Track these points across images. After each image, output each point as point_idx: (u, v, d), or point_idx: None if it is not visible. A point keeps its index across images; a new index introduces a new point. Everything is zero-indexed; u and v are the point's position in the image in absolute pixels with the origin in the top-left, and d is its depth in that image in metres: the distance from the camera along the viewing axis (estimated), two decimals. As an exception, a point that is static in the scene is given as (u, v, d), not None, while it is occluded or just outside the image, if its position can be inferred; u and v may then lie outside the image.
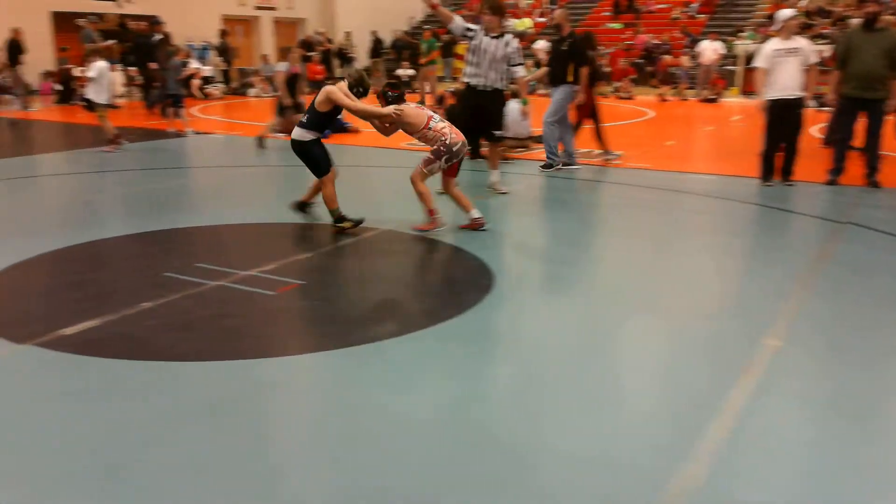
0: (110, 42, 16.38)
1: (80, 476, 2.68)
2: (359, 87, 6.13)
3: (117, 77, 16.37)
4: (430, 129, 6.04)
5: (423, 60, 18.64)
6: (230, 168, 9.83)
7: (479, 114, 7.48)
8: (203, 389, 3.39)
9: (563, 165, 9.14)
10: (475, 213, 6.19)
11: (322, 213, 6.39)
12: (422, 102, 17.27)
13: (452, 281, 5.22)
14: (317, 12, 28.37)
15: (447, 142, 6.03)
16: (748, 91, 19.12)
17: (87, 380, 3.46)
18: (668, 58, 21.58)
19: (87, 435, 2.96)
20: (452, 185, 6.29)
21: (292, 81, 10.97)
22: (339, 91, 5.95)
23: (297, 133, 6.05)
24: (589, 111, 9.47)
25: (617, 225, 6.83)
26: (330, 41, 24.23)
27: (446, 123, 6.16)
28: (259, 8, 26.70)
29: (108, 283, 4.91)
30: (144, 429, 3.02)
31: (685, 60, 20.57)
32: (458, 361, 3.78)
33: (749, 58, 20.07)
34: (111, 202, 7.73)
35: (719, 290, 4.94)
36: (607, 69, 20.26)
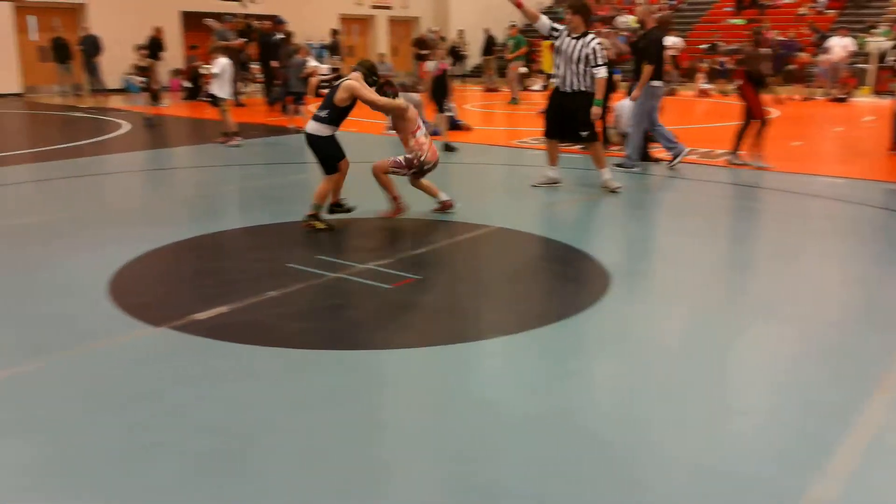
0: (240, 40, 17.06)
1: (206, 457, 2.83)
2: (372, 77, 6.18)
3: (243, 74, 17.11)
4: (415, 136, 6.29)
5: (509, 57, 18.53)
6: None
7: (561, 115, 7.49)
8: (324, 377, 3.51)
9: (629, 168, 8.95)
10: (443, 196, 6.48)
11: (427, 210, 6.48)
12: (514, 100, 17.27)
13: (568, 280, 5.18)
14: (431, 10, 28.70)
15: (421, 158, 6.30)
16: (881, 90, 18.06)
17: (218, 363, 3.64)
18: (803, 55, 20.57)
19: (215, 417, 3.11)
20: (418, 182, 6.51)
21: (440, 80, 10.81)
22: (360, 85, 6.01)
23: (314, 127, 6.06)
24: (755, 111, 8.96)
25: (736, 227, 6.60)
26: (443, 39, 24.43)
27: (428, 139, 6.40)
28: (375, 7, 27.26)
29: (235, 271, 5.14)
30: (268, 413, 3.15)
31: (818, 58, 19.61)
32: (574, 362, 3.75)
33: (882, 56, 18.95)
34: (236, 195, 8.08)
35: (848, 298, 4.71)
36: (728, 67, 19.61)
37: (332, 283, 4.82)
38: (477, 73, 26.14)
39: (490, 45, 24.09)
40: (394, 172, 6.30)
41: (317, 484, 2.64)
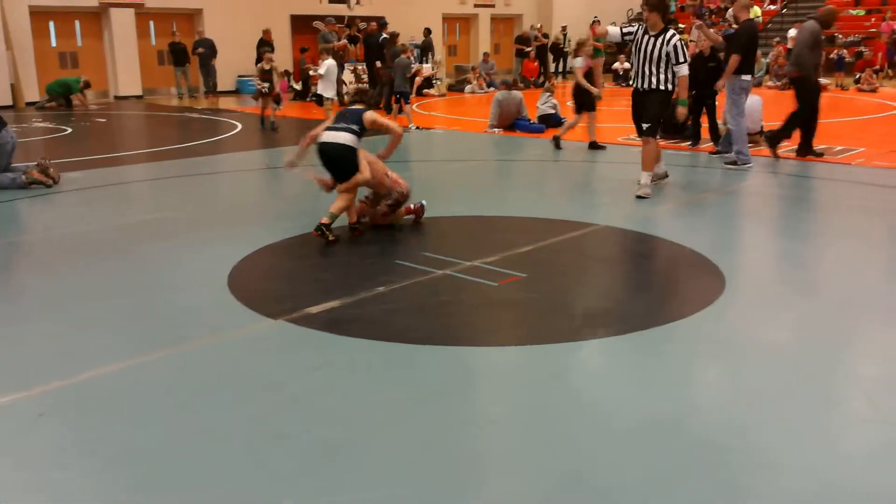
0: (342, 42, 17.47)
1: (329, 446, 2.90)
2: (364, 100, 6.36)
3: (346, 75, 17.51)
4: (388, 176, 6.18)
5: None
6: (451, 162, 10.14)
7: (635, 112, 7.31)
8: (435, 372, 3.54)
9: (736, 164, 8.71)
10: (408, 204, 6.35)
11: (539, 208, 6.43)
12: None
13: (679, 280, 5.06)
14: (534, 7, 28.55)
15: (403, 192, 6.19)
16: None
17: (332, 356, 3.73)
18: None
19: (334, 408, 3.20)
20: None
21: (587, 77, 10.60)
22: (381, 117, 6.25)
23: (350, 139, 5.94)
24: None
25: (855, 226, 6.26)
26: (546, 36, 24.27)
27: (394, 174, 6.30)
28: (478, 6, 27.32)
29: (345, 267, 5.26)
30: (382, 406, 3.21)
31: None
32: (683, 366, 3.66)
33: None
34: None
35: None
36: (847, 59, 18.66)
37: (439, 279, 4.86)
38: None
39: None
40: (392, 209, 6.21)
41: (429, 477, 2.67)
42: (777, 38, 21.62)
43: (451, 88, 21.23)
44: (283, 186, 8.85)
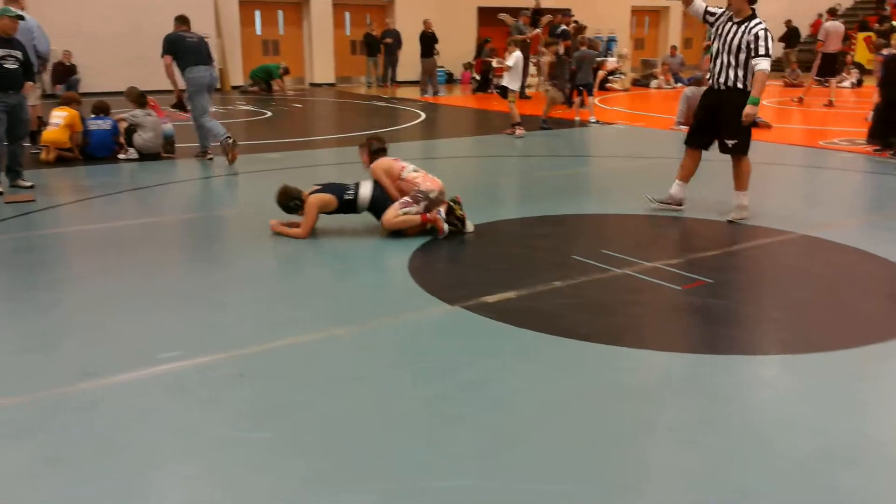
0: (535, 32, 17.44)
1: (500, 432, 2.91)
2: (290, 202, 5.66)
3: (530, 68, 17.50)
4: (402, 179, 5.75)
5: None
6: (633, 159, 9.87)
7: (709, 118, 6.21)
8: (607, 372, 3.46)
9: None
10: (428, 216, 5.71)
11: (725, 211, 6.12)
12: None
13: (881, 299, 4.63)
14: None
15: (420, 189, 5.70)
16: None
17: (506, 345, 3.75)
18: None
19: (506, 396, 3.20)
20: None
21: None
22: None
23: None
24: None
25: None
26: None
27: (420, 172, 5.82)
28: (670, -2, 26.38)
29: (522, 258, 5.26)
30: (551, 399, 3.17)
31: None
32: (878, 395, 3.34)
33: None
34: (519, 184, 8.27)
35: None
36: None
37: (618, 278, 4.75)
38: (776, 66, 24.31)
39: (792, 37, 22.29)
40: (405, 213, 5.64)
41: (598, 477, 2.61)
42: None
43: (636, 83, 20.67)
44: (462, 176, 8.99)
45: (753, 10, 6.00)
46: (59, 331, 3.95)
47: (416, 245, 5.42)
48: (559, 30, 16.04)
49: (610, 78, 19.01)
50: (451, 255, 5.45)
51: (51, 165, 8.60)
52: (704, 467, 2.69)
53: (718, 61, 6.07)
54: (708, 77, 6.29)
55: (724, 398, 3.23)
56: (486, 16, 22.33)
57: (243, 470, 2.66)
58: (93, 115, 9.16)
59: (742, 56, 5.93)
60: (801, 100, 15.57)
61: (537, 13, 18.98)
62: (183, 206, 7.19)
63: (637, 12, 26.29)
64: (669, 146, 10.49)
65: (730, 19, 6.03)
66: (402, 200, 5.67)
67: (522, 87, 15.29)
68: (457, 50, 20.55)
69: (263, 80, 19.00)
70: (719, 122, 6.12)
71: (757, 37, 5.87)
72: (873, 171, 8.44)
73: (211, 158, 9.09)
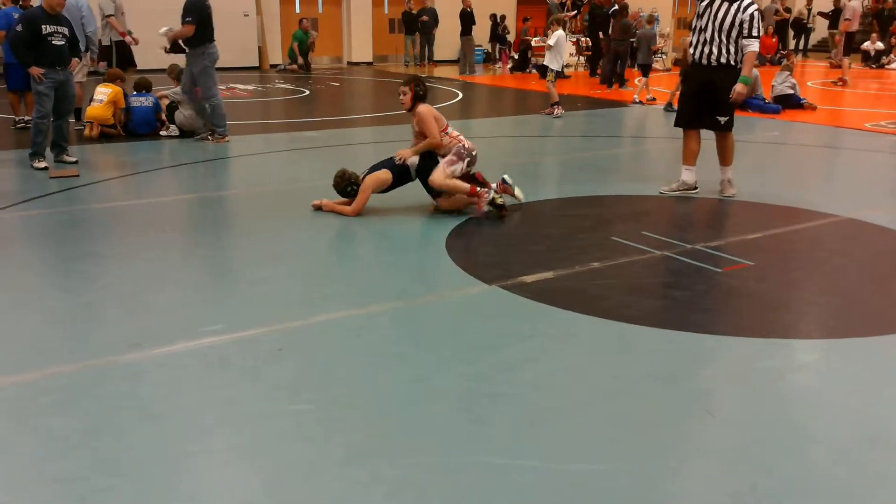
0: (571, 13, 17.27)
1: (539, 411, 2.91)
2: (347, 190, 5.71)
3: (569, 46, 17.33)
4: (446, 133, 5.70)
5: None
6: (673, 139, 9.74)
7: (701, 95, 6.22)
8: (647, 354, 3.44)
9: None
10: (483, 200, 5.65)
11: (769, 194, 6.01)
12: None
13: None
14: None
15: (465, 146, 5.69)
16: None
17: (544, 325, 3.74)
18: None
19: (540, 376, 3.20)
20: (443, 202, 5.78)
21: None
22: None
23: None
24: None
25: None
26: (788, 10, 22.51)
27: (458, 132, 5.79)
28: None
29: (560, 239, 5.23)
30: (591, 380, 3.16)
31: None
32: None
33: None
34: (559, 165, 8.21)
35: None
36: None
37: (657, 260, 4.71)
38: (823, 47, 23.77)
39: (836, 18, 21.72)
40: (452, 172, 5.62)
41: (640, 458, 2.60)
42: None
43: (677, 63, 20.31)
44: (501, 156, 8.95)
45: None
46: (104, 303, 4.03)
47: (454, 224, 5.42)
48: (611, 10, 15.81)
49: (653, 57, 18.70)
50: (489, 234, 5.44)
51: (94, 141, 8.75)
52: (745, 452, 2.66)
53: (708, 38, 6.10)
54: (692, 53, 6.31)
55: (765, 382, 3.19)
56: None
57: (284, 441, 2.70)
58: (135, 92, 9.29)
59: (734, 33, 6.00)
60: (843, 81, 15.24)
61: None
62: (224, 182, 7.27)
63: (680, -9, 25.82)
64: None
65: None
66: (447, 158, 5.67)
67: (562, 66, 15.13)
68: (481, 31, 20.40)
69: (302, 56, 19.05)
70: (712, 99, 6.19)
71: (751, 17, 5.96)
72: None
73: (209, 139, 8.86)
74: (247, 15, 19.31)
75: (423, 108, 5.75)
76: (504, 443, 2.69)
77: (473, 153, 5.74)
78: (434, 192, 5.76)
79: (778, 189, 6.59)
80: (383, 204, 5.87)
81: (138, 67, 10.99)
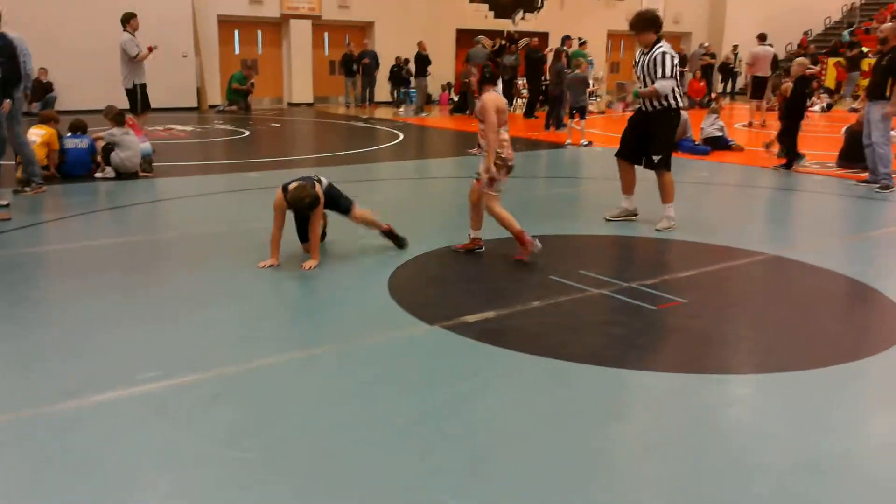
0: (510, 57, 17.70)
1: (486, 448, 2.95)
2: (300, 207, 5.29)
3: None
4: (501, 132, 5.49)
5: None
6: (609, 180, 10.00)
7: (636, 134, 6.78)
8: (587, 392, 3.51)
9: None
10: (527, 237, 5.55)
11: (700, 233, 6.21)
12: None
13: (853, 319, 4.75)
14: (704, 25, 27.68)
15: (503, 154, 5.51)
16: None
17: (487, 365, 3.79)
18: None
19: (489, 415, 3.24)
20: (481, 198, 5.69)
21: None
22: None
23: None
24: None
25: None
26: (712, 56, 23.45)
27: (507, 133, 5.56)
28: (644, 23, 26.78)
29: (501, 279, 5.31)
30: (531, 420, 3.21)
31: None
32: (850, 411, 3.43)
33: None
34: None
35: None
36: None
37: (595, 298, 4.82)
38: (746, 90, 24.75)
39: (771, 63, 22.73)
40: (498, 191, 5.59)
41: (580, 495, 2.65)
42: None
43: (610, 106, 20.95)
44: (439, 196, 9.06)
45: (659, 37, 6.57)
46: (38, 350, 3.93)
47: (396, 264, 5.45)
48: (538, 54, 16.27)
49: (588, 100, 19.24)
50: (431, 274, 5.49)
51: (28, 184, 8.54)
52: (685, 483, 2.74)
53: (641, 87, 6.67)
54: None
55: (701, 416, 3.29)
56: (465, 37, 22.56)
57: (225, 490, 2.66)
58: (70, 134, 9.13)
59: (655, 79, 6.47)
60: (751, 124, 15.97)
61: (511, 39, 19.32)
62: (162, 224, 7.18)
63: (612, 36, 26.69)
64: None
65: (642, 52, 6.67)
66: (486, 180, 5.52)
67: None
68: (435, 69, 20.70)
69: (241, 98, 19.02)
70: (645, 140, 6.70)
71: (655, 61, 6.45)
72: (842, 193, 8.64)
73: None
74: (185, 56, 19.21)
75: (487, 95, 5.51)
76: (449, 482, 2.71)
77: (510, 163, 5.63)
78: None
79: (708, 228, 6.82)
80: (325, 243, 5.88)
81: (64, 109, 10.85)
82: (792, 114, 10.10)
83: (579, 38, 17.11)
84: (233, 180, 9.16)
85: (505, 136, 5.56)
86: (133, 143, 9.05)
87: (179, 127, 15.26)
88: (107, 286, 4.97)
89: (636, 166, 6.94)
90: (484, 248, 5.88)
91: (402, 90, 21.37)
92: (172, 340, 4.07)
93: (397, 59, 20.83)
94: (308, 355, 3.85)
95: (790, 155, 10.16)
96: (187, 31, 19.20)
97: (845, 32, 26.99)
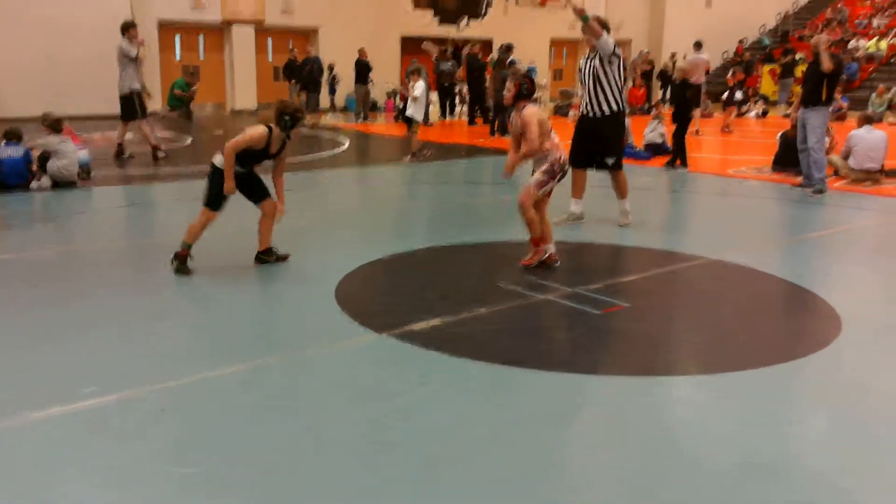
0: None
1: (434, 459, 2.95)
2: (281, 119, 5.37)
3: (433, 97, 17.92)
4: (549, 138, 5.45)
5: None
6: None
7: (587, 141, 7.02)
8: (534, 397, 3.55)
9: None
10: (552, 248, 5.63)
11: (636, 237, 6.33)
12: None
13: (791, 321, 4.90)
14: (644, 33, 28.24)
15: (560, 158, 5.47)
16: None
17: (435, 373, 3.80)
18: None
19: (438, 423, 3.25)
20: (543, 210, 5.62)
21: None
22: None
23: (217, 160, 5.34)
24: None
25: None
26: (651, 63, 23.94)
27: (557, 136, 5.54)
28: (586, 31, 27.19)
29: (448, 286, 5.33)
30: (478, 427, 3.23)
31: None
32: (788, 409, 3.55)
33: None
34: (442, 213, 8.36)
35: None
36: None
37: (541, 304, 4.87)
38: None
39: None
40: (543, 193, 5.53)
41: (520, 498, 2.68)
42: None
43: (557, 112, 21.21)
44: (383, 204, 9.05)
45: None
46: (-30, 367, 3.80)
47: (343, 273, 5.42)
48: (508, 60, 16.30)
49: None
50: (377, 283, 5.48)
51: (-42, 194, 8.26)
52: (633, 485, 2.79)
53: (587, 94, 6.92)
54: (581, 108, 7.14)
55: (646, 418, 3.35)
56: (410, 45, 22.60)
57: (170, 506, 2.62)
58: (4, 142, 8.84)
59: (603, 82, 6.76)
60: (696, 132, 16.23)
61: (457, 47, 19.41)
62: (100, 235, 7.00)
63: (556, 43, 27.05)
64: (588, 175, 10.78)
65: (587, 57, 6.94)
66: (537, 179, 5.45)
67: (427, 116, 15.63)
68: (381, 77, 20.68)
69: (182, 105, 18.69)
70: (599, 146, 6.96)
71: (595, 65, 6.73)
72: (778, 197, 8.90)
73: None
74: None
75: (529, 109, 5.44)
76: (397, 492, 2.70)
77: (567, 168, 5.59)
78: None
79: (650, 233, 6.96)
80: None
81: (4, 116, 10.57)
82: (679, 118, 10.92)
83: (509, 44, 17.11)
84: (175, 188, 9.00)
85: (556, 139, 5.52)
86: (70, 152, 8.82)
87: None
88: (41, 300, 4.83)
89: (587, 170, 7.22)
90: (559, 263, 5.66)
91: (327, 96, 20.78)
92: (112, 354, 3.98)
93: (330, 66, 20.51)
94: (254, 367, 3.81)
95: (681, 155, 10.90)
96: (126, 36, 18.81)
97: (764, 38, 28.02)
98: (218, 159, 5.33)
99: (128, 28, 11.19)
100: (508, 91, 5.54)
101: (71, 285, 5.21)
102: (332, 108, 21.06)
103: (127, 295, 5.02)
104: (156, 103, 19.48)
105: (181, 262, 5.34)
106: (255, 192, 5.59)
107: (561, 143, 5.59)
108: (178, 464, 2.88)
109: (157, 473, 2.82)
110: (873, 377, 3.86)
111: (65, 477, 2.77)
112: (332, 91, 20.98)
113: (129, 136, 11.44)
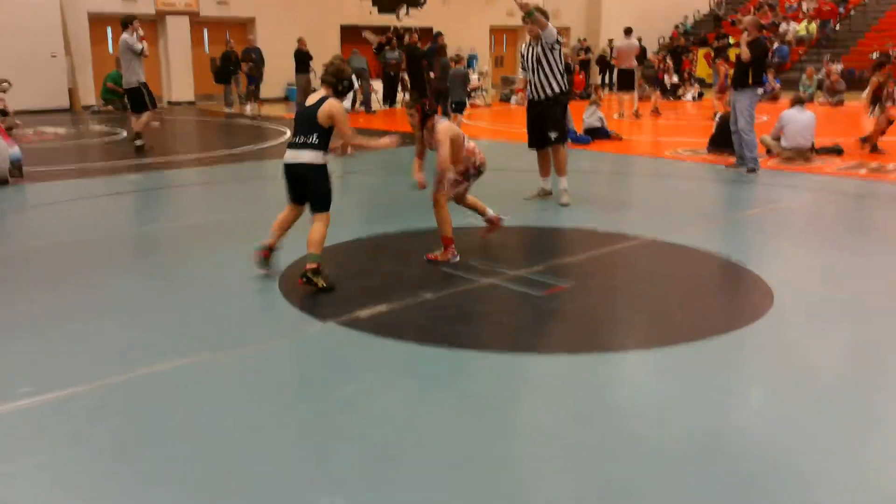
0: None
1: (382, 447, 2.97)
2: (341, 83, 4.95)
3: (377, 85, 17.89)
4: (466, 148, 5.56)
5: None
6: (500, 171, 10.18)
7: (537, 123, 7.41)
8: (479, 379, 3.60)
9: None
10: (490, 213, 5.93)
11: (584, 219, 6.43)
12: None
13: (726, 295, 5.05)
14: (582, 21, 28.53)
15: (476, 162, 5.61)
16: None
17: (381, 359, 3.82)
18: None
19: (385, 410, 3.27)
20: (465, 197, 5.84)
21: None
22: (341, 112, 4.92)
23: (310, 157, 4.96)
24: None
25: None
26: (587, 51, 24.23)
27: (474, 143, 5.72)
28: (525, 18, 27.36)
29: (392, 273, 5.35)
30: (426, 412, 3.27)
31: None
32: (726, 382, 3.66)
33: None
34: (384, 202, 8.37)
35: None
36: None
37: (485, 288, 4.92)
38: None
39: (641, 56, 23.67)
40: (456, 194, 5.67)
41: (473, 484, 2.72)
42: (828, 57, 21.54)
43: (503, 99, 21.34)
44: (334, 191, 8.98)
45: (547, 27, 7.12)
46: None
47: (286, 264, 5.39)
48: (426, 50, 16.30)
49: (473, 94, 19.51)
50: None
51: None
52: (583, 466, 2.85)
53: (532, 80, 7.29)
54: (527, 93, 7.48)
55: (591, 396, 3.43)
56: (350, 34, 22.42)
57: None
58: (-71, 140, 8.53)
59: (546, 68, 7.13)
60: (622, 115, 16.51)
61: (399, 35, 19.29)
62: (33, 233, 6.81)
63: (495, 31, 27.14)
64: (530, 159, 10.88)
65: (529, 45, 7.28)
66: (452, 179, 5.54)
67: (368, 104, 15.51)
68: (320, 68, 20.49)
69: (117, 98, 18.21)
70: (544, 124, 7.37)
71: (538, 54, 7.08)
72: (713, 178, 9.14)
73: None
74: (55, 56, 18.26)
75: (441, 126, 5.42)
76: (353, 481, 2.71)
77: (482, 170, 5.70)
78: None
79: (590, 214, 7.08)
80: (212, 243, 5.74)
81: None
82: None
83: (438, 32, 17.08)
84: (110, 183, 8.80)
85: (470, 145, 5.61)
86: (1, 148, 8.55)
87: (51, 129, 14.50)
88: (-24, 300, 4.70)
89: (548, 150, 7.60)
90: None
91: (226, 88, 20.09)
92: (48, 353, 3.89)
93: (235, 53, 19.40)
94: (197, 360, 3.77)
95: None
96: (56, 30, 18.26)
97: (687, 25, 28.86)
98: (308, 156, 4.91)
99: (130, 22, 11.51)
100: (412, 117, 5.57)
101: (5, 284, 5.07)
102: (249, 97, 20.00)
103: (62, 293, 4.90)
104: (89, 98, 19.00)
105: (322, 275, 4.78)
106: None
107: (477, 147, 5.68)
108: (119, 461, 2.85)
109: (100, 471, 2.78)
110: (803, 348, 4.02)
111: (3, 480, 2.72)
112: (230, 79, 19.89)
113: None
